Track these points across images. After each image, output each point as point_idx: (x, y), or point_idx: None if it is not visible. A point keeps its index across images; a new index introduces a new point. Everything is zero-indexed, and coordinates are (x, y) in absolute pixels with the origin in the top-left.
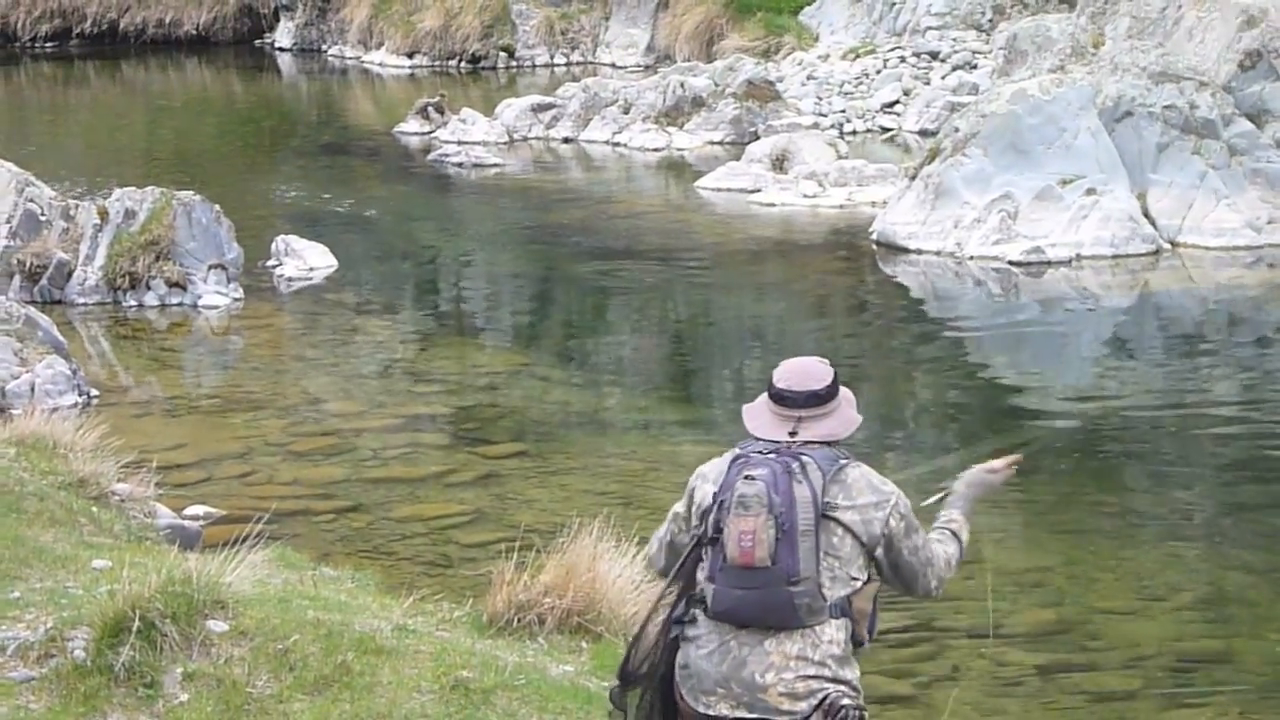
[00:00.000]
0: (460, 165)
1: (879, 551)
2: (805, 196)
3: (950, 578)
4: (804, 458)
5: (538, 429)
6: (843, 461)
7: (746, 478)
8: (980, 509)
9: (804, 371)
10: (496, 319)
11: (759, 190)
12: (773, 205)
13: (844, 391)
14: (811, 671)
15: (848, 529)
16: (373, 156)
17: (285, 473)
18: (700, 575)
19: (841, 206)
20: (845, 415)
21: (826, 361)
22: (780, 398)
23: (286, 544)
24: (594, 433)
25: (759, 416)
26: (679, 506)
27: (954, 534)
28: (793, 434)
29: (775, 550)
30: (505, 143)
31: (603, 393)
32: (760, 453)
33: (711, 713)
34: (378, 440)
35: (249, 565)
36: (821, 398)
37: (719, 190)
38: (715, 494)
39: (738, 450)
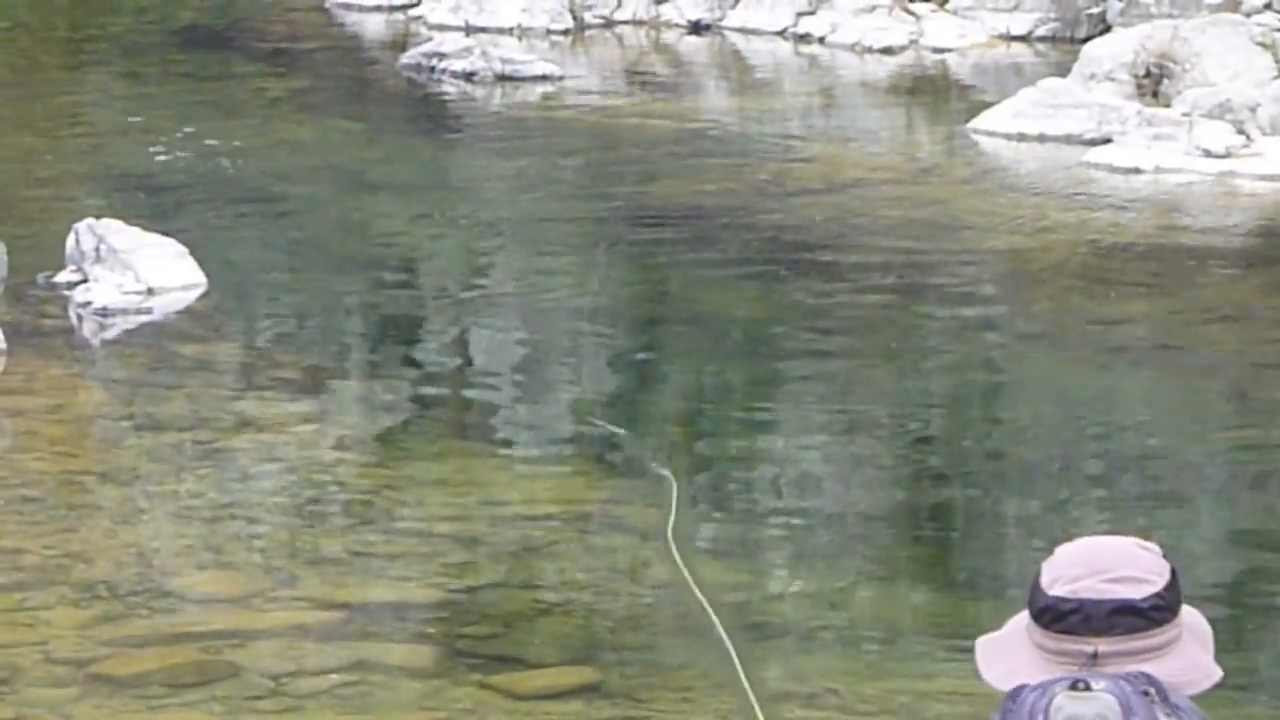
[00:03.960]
0: (470, 77)
1: None
2: (1207, 155)
3: None
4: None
5: (623, 639)
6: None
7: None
8: None
9: (1106, 562)
10: (539, 402)
11: (1107, 140)
12: (1137, 171)
13: (1188, 611)
14: None
15: None
16: (284, 59)
17: None
18: None
19: None
20: (1191, 655)
21: (1154, 547)
22: (1059, 615)
23: None
24: (744, 646)
25: (1013, 656)
26: None
27: None
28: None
29: None
30: (563, 31)
31: (760, 562)
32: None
33: None
34: (283, 659)
35: None
36: (1144, 615)
37: (1020, 137)
38: None
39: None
